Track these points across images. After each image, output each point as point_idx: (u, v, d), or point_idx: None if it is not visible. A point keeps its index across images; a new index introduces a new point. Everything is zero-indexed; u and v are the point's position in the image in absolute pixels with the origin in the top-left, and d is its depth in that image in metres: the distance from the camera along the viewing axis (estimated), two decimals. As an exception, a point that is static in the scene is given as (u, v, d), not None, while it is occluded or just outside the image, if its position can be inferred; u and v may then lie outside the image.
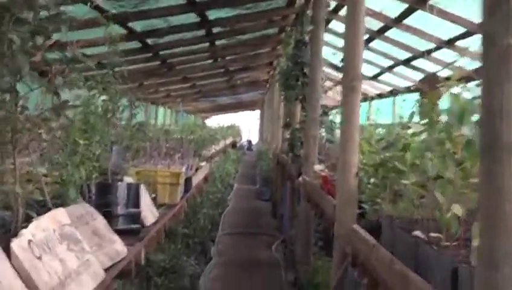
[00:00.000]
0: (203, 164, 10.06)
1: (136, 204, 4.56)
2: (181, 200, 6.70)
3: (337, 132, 10.34)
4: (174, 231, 9.32)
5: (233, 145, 35.95)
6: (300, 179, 9.28)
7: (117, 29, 5.43)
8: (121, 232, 4.27)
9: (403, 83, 15.95)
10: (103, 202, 4.31)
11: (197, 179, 8.42)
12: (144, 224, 4.81)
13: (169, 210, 5.99)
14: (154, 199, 5.64)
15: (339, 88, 15.19)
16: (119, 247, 3.70)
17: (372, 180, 5.36)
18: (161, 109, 28.81)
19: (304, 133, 9.96)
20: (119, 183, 4.52)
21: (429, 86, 6.99)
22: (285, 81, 11.22)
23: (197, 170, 9.08)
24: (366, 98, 18.56)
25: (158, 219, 5.23)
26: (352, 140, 5.26)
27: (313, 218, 8.87)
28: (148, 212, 5.02)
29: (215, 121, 40.86)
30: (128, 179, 5.05)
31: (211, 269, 10.13)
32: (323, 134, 9.95)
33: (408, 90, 16.04)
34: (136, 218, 4.51)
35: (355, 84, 5.30)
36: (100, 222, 3.74)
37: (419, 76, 14.55)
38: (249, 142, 49.03)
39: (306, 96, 9.90)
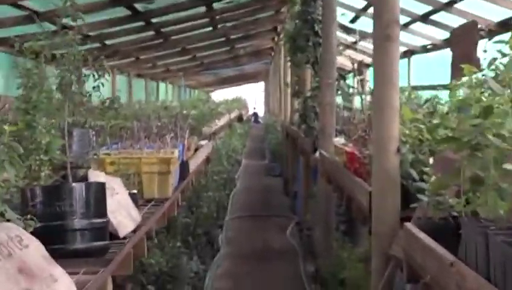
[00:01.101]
0: (204, 142, 8.77)
1: (101, 211, 3.27)
2: (175, 191, 5.42)
3: (356, 99, 9.05)
4: (173, 223, 8.06)
5: (240, 118, 34.57)
6: (316, 154, 8.00)
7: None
8: (78, 255, 3.01)
9: (420, 42, 14.57)
10: (51, 212, 3.04)
11: (196, 162, 7.13)
12: (117, 235, 3.53)
13: (158, 208, 4.71)
14: (135, 195, 4.35)
15: (350, 52, 13.83)
16: (63, 288, 2.42)
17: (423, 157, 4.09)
18: (162, 85, 27.53)
19: (317, 101, 8.66)
20: (74, 184, 3.23)
21: (468, 37, 5.64)
22: (293, 44, 9.89)
23: (196, 150, 7.80)
24: (370, 64, 17.20)
25: (140, 223, 3.95)
26: (391, 106, 3.98)
27: (334, 199, 7.63)
28: (125, 218, 3.74)
29: (221, 95, 39.64)
30: (97, 175, 3.76)
31: (218, 264, 8.90)
32: (340, 101, 8.62)
33: (425, 49, 14.67)
34: (101, 232, 3.23)
35: (391, 31, 3.99)
36: (34, 250, 2.44)
37: (439, 33, 13.21)
38: (256, 114, 47.77)
39: (318, 59, 8.59)
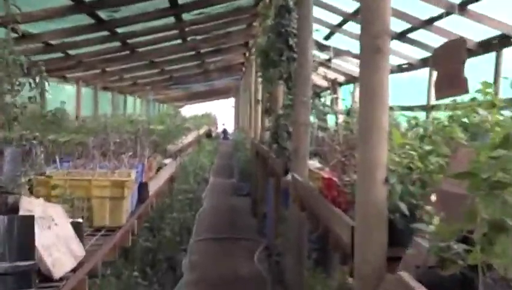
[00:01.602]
0: (168, 161, 8.17)
1: (27, 251, 2.67)
2: (130, 218, 4.81)
3: (330, 119, 8.53)
4: (132, 249, 7.42)
5: (208, 135, 33.96)
6: (288, 177, 7.45)
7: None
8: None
9: (396, 61, 14.13)
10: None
11: (158, 183, 6.52)
12: (52, 277, 2.92)
13: (108, 239, 4.10)
14: (80, 225, 3.73)
15: (322, 70, 13.29)
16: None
17: (413, 189, 3.58)
18: (130, 99, 26.82)
19: (290, 120, 8.12)
20: (-7, 217, 2.61)
21: (454, 55, 5.14)
22: (265, 59, 9.34)
23: (159, 169, 7.20)
24: (350, 80, 16.74)
25: (83, 260, 3.34)
26: (379, 127, 3.45)
27: (306, 226, 7.09)
28: (63, 254, 3.13)
29: (191, 110, 38.99)
30: (31, 203, 3.15)
31: (180, 293, 8.26)
32: (313, 121, 8.09)
33: (401, 69, 14.24)
34: (27, 277, 2.62)
35: (382, 43, 3.46)
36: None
37: (416, 52, 12.77)
38: (225, 131, 47.27)
39: (292, 74, 8.07)
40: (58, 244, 3.10)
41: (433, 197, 3.10)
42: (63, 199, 3.85)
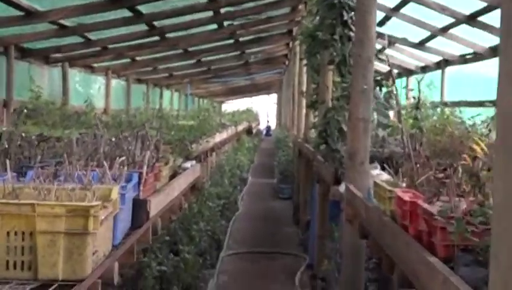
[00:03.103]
0: (190, 164, 6.54)
1: None
2: (107, 259, 3.17)
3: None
4: (141, 273, 5.80)
5: (249, 131, 32.32)
6: (341, 187, 5.77)
7: None
8: None
9: (458, 50, 12.29)
10: None
11: (167, 197, 4.87)
12: None
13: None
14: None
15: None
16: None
17: None
18: (166, 93, 25.39)
19: (343, 115, 6.45)
20: None
21: None
22: (312, 42, 7.67)
23: (173, 177, 5.58)
24: (402, 73, 14.91)
25: None
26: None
27: (364, 253, 5.43)
28: None
29: (232, 106, 37.54)
30: None
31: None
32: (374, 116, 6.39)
33: (463, 60, 12.39)
34: None
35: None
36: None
37: (484, 39, 10.94)
38: (268, 127, 45.99)
39: (347, 58, 6.39)
40: None
41: None
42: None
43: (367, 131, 5.27)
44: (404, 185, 3.75)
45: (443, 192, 3.05)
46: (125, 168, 3.92)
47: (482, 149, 3.38)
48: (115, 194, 3.20)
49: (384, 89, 6.56)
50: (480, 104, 10.05)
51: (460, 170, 3.18)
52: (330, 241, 7.58)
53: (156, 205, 4.25)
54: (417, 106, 6.56)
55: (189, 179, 6.11)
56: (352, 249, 5.39)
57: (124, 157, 4.00)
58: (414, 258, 2.91)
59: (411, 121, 6.83)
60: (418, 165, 3.67)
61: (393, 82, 6.63)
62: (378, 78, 6.32)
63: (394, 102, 6.70)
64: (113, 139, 4.65)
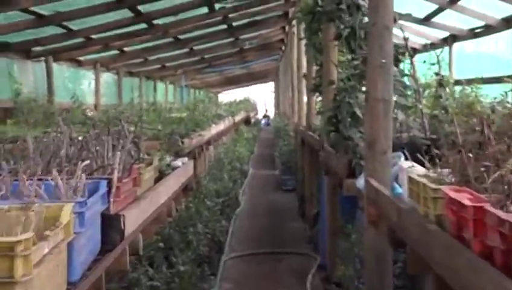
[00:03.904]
0: (181, 162, 5.66)
1: None
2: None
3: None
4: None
5: (247, 121, 31.42)
6: (359, 182, 4.90)
7: None
8: None
9: (466, 24, 11.38)
10: None
11: (149, 207, 3.98)
12: None
13: None
14: None
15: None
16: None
17: None
18: (160, 85, 24.54)
19: (355, 97, 5.58)
20: None
21: None
22: (314, 18, 6.79)
23: (160, 179, 4.70)
24: (405, 52, 13.95)
25: None
26: None
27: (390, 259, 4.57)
28: None
29: (229, 96, 36.68)
30: None
31: None
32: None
33: (473, 34, 11.47)
34: None
35: None
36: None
37: (492, 12, 10.05)
38: (267, 117, 45.01)
39: (357, 30, 5.50)
40: None
41: None
42: None
43: (388, 113, 4.39)
44: (446, 179, 2.88)
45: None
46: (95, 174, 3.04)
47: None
48: (66, 215, 2.32)
49: (401, 65, 5.69)
50: (498, 80, 9.21)
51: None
52: (344, 241, 6.72)
53: (134, 219, 3.38)
54: (440, 82, 5.68)
55: (180, 180, 5.23)
56: (377, 255, 4.50)
57: (87, 162, 3.11)
58: (488, 287, 2.04)
59: (431, 100, 5.97)
60: (469, 155, 2.79)
61: (411, 56, 5.76)
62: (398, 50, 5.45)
63: (411, 80, 5.84)
64: (80, 138, 3.77)
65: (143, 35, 13.17)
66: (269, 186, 15.76)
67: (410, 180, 3.20)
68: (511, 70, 8.69)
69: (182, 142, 6.70)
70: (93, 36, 12.08)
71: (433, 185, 2.82)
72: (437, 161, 3.28)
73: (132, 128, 4.42)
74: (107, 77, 17.25)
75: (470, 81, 8.42)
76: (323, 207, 8.21)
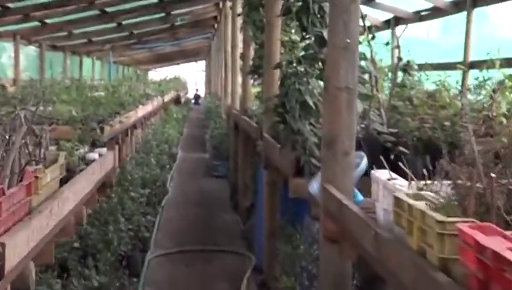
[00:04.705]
0: (98, 153, 4.74)
1: None
2: None
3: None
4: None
5: (177, 101, 30.38)
6: (312, 186, 4.06)
7: None
8: None
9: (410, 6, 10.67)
10: None
11: (53, 219, 3.06)
12: None
13: None
14: None
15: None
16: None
17: None
18: (87, 61, 23.30)
19: (306, 83, 4.76)
20: None
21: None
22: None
23: (68, 178, 3.78)
24: (363, 32, 13.17)
25: None
26: None
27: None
28: None
29: (160, 74, 35.46)
30: None
31: None
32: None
33: (418, 17, 10.79)
34: None
35: None
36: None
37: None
38: (197, 96, 44.48)
39: (310, 4, 4.67)
40: None
41: None
42: None
43: (352, 106, 3.58)
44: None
45: None
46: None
47: None
48: None
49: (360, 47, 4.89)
50: (450, 66, 8.58)
51: None
52: (284, 245, 5.92)
53: (23, 244, 2.47)
54: (404, 68, 4.92)
55: (94, 178, 4.30)
56: (335, 276, 3.70)
57: None
58: None
59: (396, 89, 5.22)
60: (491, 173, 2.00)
61: (373, 37, 4.99)
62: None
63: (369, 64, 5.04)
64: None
65: (65, 6, 12.06)
66: (199, 171, 14.87)
67: (398, 202, 2.38)
68: (445, 56, 8.27)
69: (101, 129, 5.76)
70: (10, 5, 10.93)
71: (437, 216, 2.01)
72: (429, 172, 2.49)
73: (30, 115, 3.47)
74: (28, 50, 16.12)
75: (419, 67, 7.76)
76: (260, 201, 7.41)
